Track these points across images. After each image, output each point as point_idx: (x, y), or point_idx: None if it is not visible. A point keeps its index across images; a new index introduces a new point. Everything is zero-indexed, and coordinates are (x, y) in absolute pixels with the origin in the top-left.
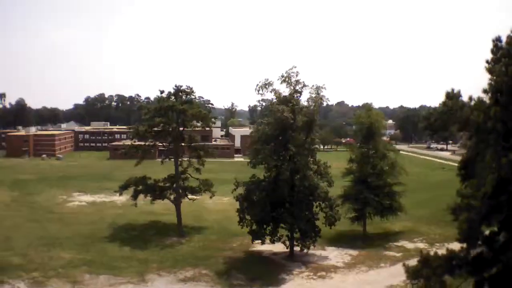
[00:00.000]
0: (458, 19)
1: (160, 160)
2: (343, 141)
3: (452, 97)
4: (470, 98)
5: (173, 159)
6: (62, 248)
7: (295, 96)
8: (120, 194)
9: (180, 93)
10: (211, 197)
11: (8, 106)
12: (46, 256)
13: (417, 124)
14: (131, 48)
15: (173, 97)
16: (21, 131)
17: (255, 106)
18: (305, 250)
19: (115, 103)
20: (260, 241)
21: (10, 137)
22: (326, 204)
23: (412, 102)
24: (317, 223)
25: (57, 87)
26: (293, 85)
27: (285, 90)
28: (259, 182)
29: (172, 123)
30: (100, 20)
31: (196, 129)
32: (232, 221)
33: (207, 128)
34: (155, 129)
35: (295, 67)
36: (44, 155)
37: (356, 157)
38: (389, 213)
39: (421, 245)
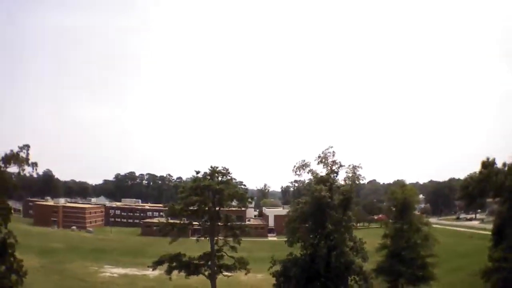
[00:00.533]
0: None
1: (193, 238)
2: (375, 217)
3: (487, 165)
4: (504, 165)
5: (207, 237)
6: None
7: (332, 175)
8: (154, 269)
9: (216, 174)
10: (246, 274)
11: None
12: None
13: (448, 197)
14: (161, 128)
15: (209, 178)
16: (50, 201)
17: (288, 187)
18: None
19: (146, 182)
20: None
21: (38, 206)
22: (360, 278)
23: (441, 176)
24: None
25: (87, 162)
26: (330, 165)
27: (322, 170)
28: (296, 259)
29: (208, 203)
30: (131, 100)
31: (232, 208)
32: None
33: (242, 208)
34: (191, 208)
35: (331, 147)
36: (74, 227)
37: (390, 232)
38: (422, 282)
39: None
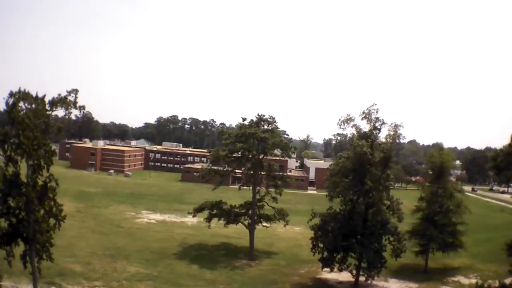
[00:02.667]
0: None
1: (233, 186)
2: (413, 179)
3: None
4: None
5: (247, 186)
6: (128, 261)
7: (374, 132)
8: (194, 216)
9: (262, 122)
10: (285, 226)
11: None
12: (110, 267)
13: (483, 166)
14: (208, 74)
15: (254, 125)
16: (88, 144)
17: (330, 139)
18: (370, 280)
19: (188, 126)
20: (327, 269)
21: (75, 148)
22: (394, 238)
23: (479, 144)
24: (384, 254)
25: (127, 104)
26: (373, 121)
27: (365, 126)
28: (335, 214)
29: (252, 150)
30: (177, 46)
31: (274, 158)
32: (302, 249)
33: (284, 158)
34: (235, 154)
35: (375, 104)
36: (111, 170)
37: (425, 195)
38: (451, 249)
39: (475, 281)
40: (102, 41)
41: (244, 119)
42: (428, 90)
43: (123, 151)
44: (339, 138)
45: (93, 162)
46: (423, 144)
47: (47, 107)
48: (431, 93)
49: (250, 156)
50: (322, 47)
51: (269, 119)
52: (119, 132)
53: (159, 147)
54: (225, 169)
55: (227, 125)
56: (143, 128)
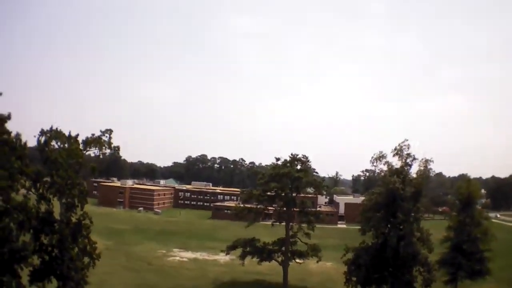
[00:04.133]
0: None
1: (264, 222)
2: (440, 209)
3: None
4: None
5: (282, 223)
6: None
7: (406, 168)
8: (227, 254)
9: (296, 162)
10: (317, 261)
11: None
12: None
13: (507, 193)
14: (239, 114)
15: (288, 164)
16: (116, 182)
17: (359, 176)
18: None
19: (217, 165)
20: None
21: (104, 187)
22: (425, 269)
23: (504, 172)
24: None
25: (155, 144)
26: (404, 158)
27: (397, 163)
28: (367, 247)
29: (286, 189)
30: (207, 85)
31: (305, 195)
32: (335, 284)
33: (315, 195)
34: (268, 193)
35: (407, 140)
36: (141, 208)
37: (453, 224)
38: (479, 276)
39: None
40: (134, 82)
41: (277, 159)
42: (452, 123)
43: (153, 189)
44: (367, 174)
45: (122, 200)
46: (449, 176)
47: (81, 146)
48: (455, 127)
49: (283, 194)
50: (346, 86)
51: (302, 159)
52: (147, 171)
53: (188, 186)
54: (258, 207)
55: (257, 164)
56: (171, 167)
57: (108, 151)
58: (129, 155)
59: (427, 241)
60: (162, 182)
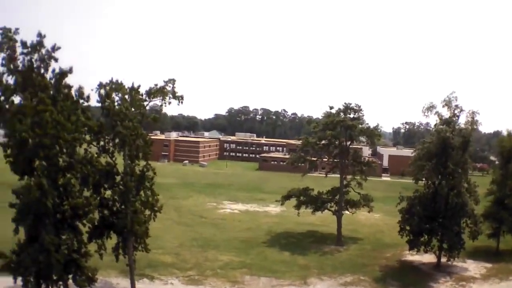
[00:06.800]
0: None
1: (310, 174)
2: (478, 165)
3: None
4: None
5: (330, 174)
6: (218, 250)
7: (454, 119)
8: (282, 204)
9: (349, 110)
10: (369, 211)
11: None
12: (201, 256)
13: None
14: (279, 64)
15: (342, 114)
16: (159, 135)
17: (399, 128)
18: (451, 261)
19: (259, 117)
20: (413, 251)
21: None
22: (472, 221)
23: None
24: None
25: (196, 96)
26: (453, 109)
27: (446, 113)
28: (420, 197)
29: (340, 137)
30: (248, 37)
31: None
32: (384, 234)
33: (359, 146)
34: (323, 142)
35: (454, 92)
36: (186, 161)
37: (496, 178)
38: None
39: None
40: (171, 35)
41: (331, 108)
42: (487, 80)
43: (198, 142)
44: (407, 126)
45: (167, 153)
46: (485, 133)
47: (144, 97)
48: (490, 83)
49: (337, 143)
50: (393, 35)
51: (355, 107)
52: (188, 124)
53: (233, 137)
54: (312, 158)
55: (299, 115)
56: (213, 119)
57: (171, 101)
58: (169, 108)
59: (473, 192)
60: (206, 134)
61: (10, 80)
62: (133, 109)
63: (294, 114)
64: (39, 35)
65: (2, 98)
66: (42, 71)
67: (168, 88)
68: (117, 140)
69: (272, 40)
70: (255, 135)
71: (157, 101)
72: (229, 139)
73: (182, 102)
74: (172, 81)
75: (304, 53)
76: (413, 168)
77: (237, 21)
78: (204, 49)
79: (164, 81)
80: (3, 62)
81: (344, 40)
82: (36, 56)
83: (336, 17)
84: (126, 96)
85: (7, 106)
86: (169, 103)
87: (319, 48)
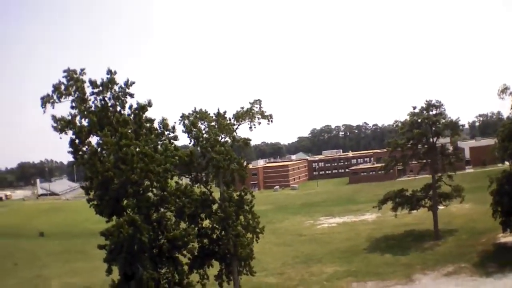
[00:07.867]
0: None
1: (399, 179)
2: None
3: None
4: None
5: (424, 171)
6: (322, 263)
7: None
8: (379, 209)
9: (431, 107)
10: (461, 202)
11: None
12: (306, 272)
13: None
14: (358, 77)
15: (424, 112)
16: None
17: (474, 122)
18: None
19: (342, 133)
20: (506, 232)
21: None
22: None
23: None
24: None
25: (277, 122)
26: None
27: None
28: (509, 175)
29: (427, 134)
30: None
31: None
32: (477, 222)
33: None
34: (411, 141)
35: None
36: (277, 186)
37: None
38: None
39: None
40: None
41: (414, 107)
42: None
43: (286, 165)
44: (481, 119)
45: (255, 182)
46: None
47: (232, 121)
48: None
49: (425, 140)
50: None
51: (436, 104)
52: (272, 150)
53: (320, 156)
54: (403, 158)
55: (380, 125)
56: (296, 143)
57: (261, 121)
58: (252, 136)
59: None
60: (293, 157)
61: (84, 122)
62: (222, 135)
63: (375, 125)
64: (109, 72)
65: (77, 141)
66: (119, 108)
67: (255, 109)
68: (209, 168)
69: (348, 59)
70: (341, 150)
71: (245, 123)
72: (317, 158)
73: (271, 121)
74: (259, 101)
75: (379, 63)
76: (498, 150)
77: (307, 43)
78: (283, 76)
79: (249, 103)
80: (73, 104)
81: (410, 46)
82: (108, 94)
83: (408, 19)
84: (213, 123)
85: (84, 148)
86: (259, 123)
87: (390, 55)
